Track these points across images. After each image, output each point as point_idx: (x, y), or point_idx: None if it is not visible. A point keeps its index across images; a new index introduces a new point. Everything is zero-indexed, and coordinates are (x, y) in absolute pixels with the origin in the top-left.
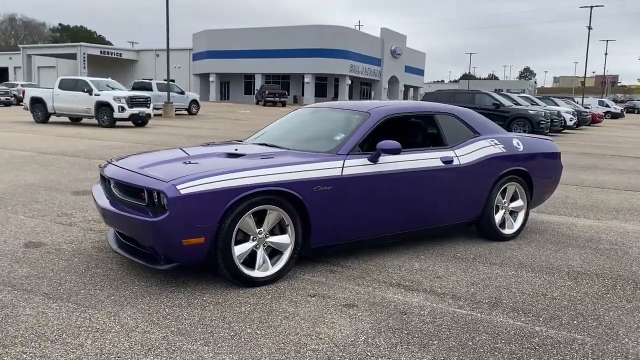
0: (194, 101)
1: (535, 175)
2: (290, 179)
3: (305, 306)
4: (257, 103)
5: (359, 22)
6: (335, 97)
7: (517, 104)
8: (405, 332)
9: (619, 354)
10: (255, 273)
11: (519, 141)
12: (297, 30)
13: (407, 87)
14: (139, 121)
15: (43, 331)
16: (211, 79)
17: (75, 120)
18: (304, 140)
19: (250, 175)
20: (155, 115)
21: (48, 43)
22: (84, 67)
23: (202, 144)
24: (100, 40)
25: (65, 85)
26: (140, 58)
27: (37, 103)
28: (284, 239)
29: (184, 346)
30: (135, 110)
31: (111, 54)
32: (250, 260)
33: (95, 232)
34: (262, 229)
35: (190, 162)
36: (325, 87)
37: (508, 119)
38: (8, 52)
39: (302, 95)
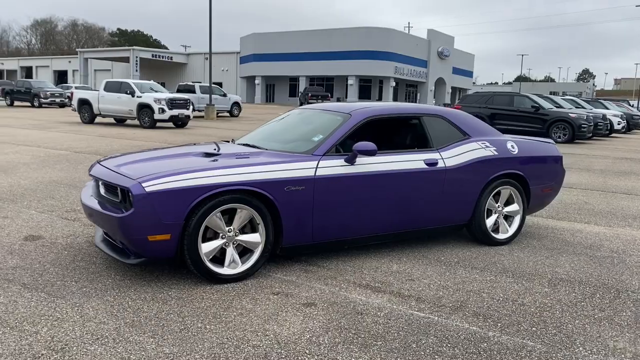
0: (236, 103)
1: (533, 179)
2: (260, 179)
3: (265, 303)
4: (301, 105)
5: (409, 23)
6: (379, 99)
7: (559, 106)
8: (353, 332)
9: None
10: (224, 270)
11: (514, 144)
12: (342, 32)
13: (454, 89)
14: (179, 122)
15: (6, 318)
16: (257, 81)
17: (120, 121)
18: (286, 141)
19: (218, 174)
20: (197, 117)
21: (106, 47)
22: (136, 70)
23: (189, 144)
24: (156, 44)
25: (110, 87)
26: (189, 61)
27: (84, 104)
28: (255, 237)
29: (131, 337)
30: (175, 112)
31: (162, 58)
32: (220, 257)
33: (94, 227)
34: (232, 227)
35: (164, 160)
36: (369, 89)
37: (547, 122)
38: (68, 56)
39: (346, 97)
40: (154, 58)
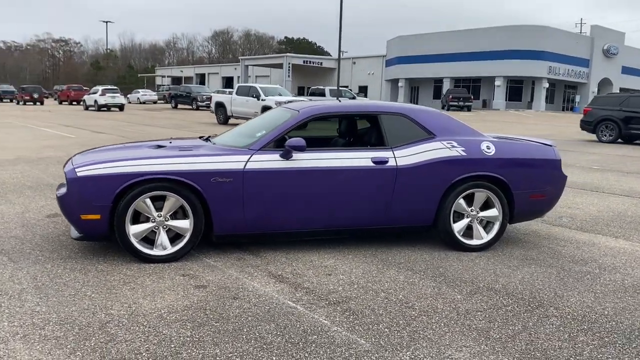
0: None
1: (516, 184)
2: (186, 169)
3: (163, 282)
4: (443, 108)
5: (581, 20)
6: (531, 101)
7: None
8: (207, 312)
9: None
10: (153, 251)
11: (490, 145)
12: (488, 31)
13: (623, 90)
14: None
15: None
16: (400, 84)
17: None
18: (241, 137)
19: (146, 163)
20: None
21: (272, 54)
22: (288, 76)
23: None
24: (319, 50)
25: (240, 91)
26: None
27: (220, 107)
28: (184, 224)
29: (24, 296)
30: None
31: (312, 63)
32: (152, 239)
33: None
34: (161, 212)
35: (118, 151)
36: (519, 90)
37: None
38: (234, 64)
39: (493, 99)
40: (304, 64)
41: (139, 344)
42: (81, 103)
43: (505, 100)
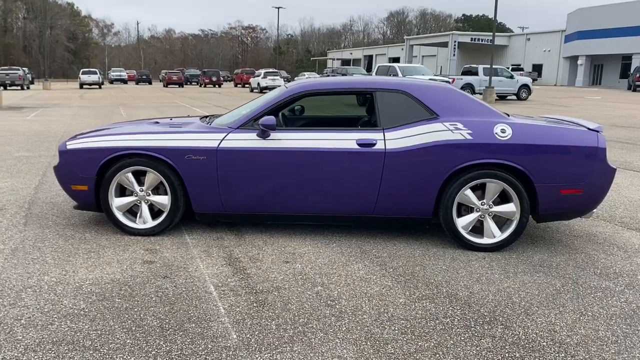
0: (524, 86)
1: (540, 176)
2: (161, 145)
3: (121, 254)
4: (629, 88)
5: None
6: None
7: None
8: (121, 287)
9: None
10: (134, 224)
11: (507, 127)
12: None
13: None
14: None
15: None
16: (579, 61)
17: None
18: (234, 116)
19: (126, 139)
20: None
21: (439, 33)
22: (454, 55)
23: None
24: (500, 27)
25: (380, 71)
26: (511, 43)
27: None
28: (164, 199)
29: None
30: None
31: (481, 41)
32: (136, 212)
33: None
34: (142, 187)
35: (121, 126)
36: None
37: None
38: (400, 44)
39: None
40: (472, 42)
41: (29, 311)
42: (246, 85)
43: None
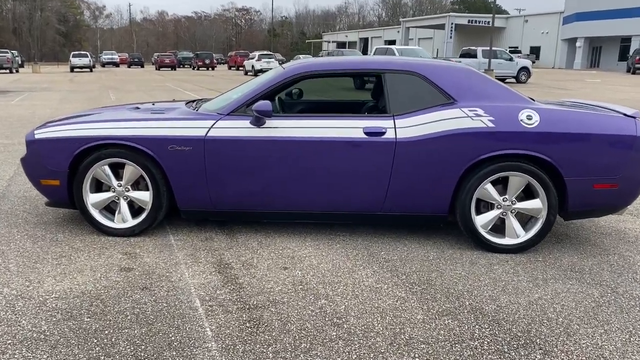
0: (524, 68)
1: (570, 168)
2: (140, 135)
3: (95, 259)
4: (628, 71)
5: None
6: None
7: None
8: (92, 301)
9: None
10: (112, 224)
11: (533, 114)
12: None
13: None
14: None
15: None
16: (578, 44)
17: None
18: (224, 101)
19: (103, 127)
20: None
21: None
22: (450, 37)
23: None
24: (497, 9)
25: (378, 53)
26: (508, 25)
27: None
28: (145, 196)
29: None
30: None
31: (479, 23)
32: (115, 210)
33: None
34: (121, 182)
35: (98, 113)
36: None
37: None
38: (396, 27)
39: None
40: (469, 24)
41: None
42: (240, 68)
43: None
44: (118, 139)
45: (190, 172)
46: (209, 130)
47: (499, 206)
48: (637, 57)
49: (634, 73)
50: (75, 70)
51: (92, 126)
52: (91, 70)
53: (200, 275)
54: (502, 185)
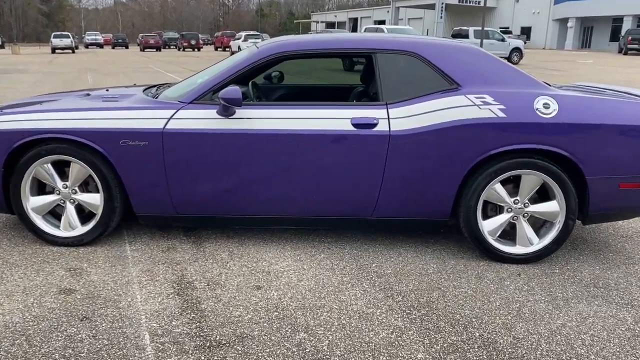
0: (516, 49)
1: (593, 165)
2: (87, 127)
3: (32, 278)
4: (620, 51)
5: None
6: None
7: None
8: (15, 338)
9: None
10: (57, 231)
11: (551, 101)
12: None
13: None
14: None
15: None
16: (569, 24)
17: None
18: (188, 86)
19: (42, 118)
20: None
21: None
22: (441, 17)
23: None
24: None
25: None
26: (499, 5)
27: None
28: (95, 198)
29: None
30: None
31: (470, 2)
32: (61, 215)
33: None
34: (67, 183)
35: (46, 101)
36: None
37: None
38: (386, 6)
39: None
40: (460, 3)
41: None
42: (227, 49)
43: None
44: (61, 132)
45: (146, 171)
46: (167, 122)
47: (510, 209)
48: (630, 38)
49: (626, 54)
50: (56, 51)
51: (31, 117)
52: (73, 52)
53: (155, 299)
54: (513, 185)
